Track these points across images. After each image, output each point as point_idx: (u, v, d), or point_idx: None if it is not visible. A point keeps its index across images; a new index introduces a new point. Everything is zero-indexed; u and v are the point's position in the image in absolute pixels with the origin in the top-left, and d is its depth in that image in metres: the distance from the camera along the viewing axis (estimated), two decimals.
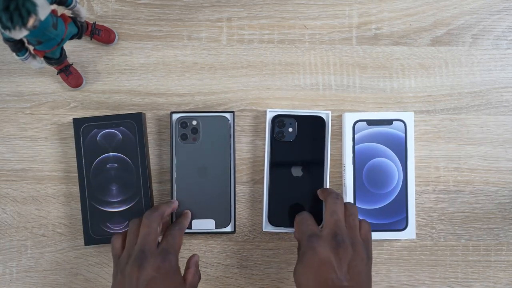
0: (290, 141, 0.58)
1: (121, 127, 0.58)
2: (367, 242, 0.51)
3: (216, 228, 0.58)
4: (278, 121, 0.58)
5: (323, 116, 0.59)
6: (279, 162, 0.58)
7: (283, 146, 0.58)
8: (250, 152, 0.61)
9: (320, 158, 0.58)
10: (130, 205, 0.58)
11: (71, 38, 0.53)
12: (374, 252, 0.61)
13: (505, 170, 0.61)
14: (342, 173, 0.61)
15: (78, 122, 0.58)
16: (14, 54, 0.48)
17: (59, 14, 0.48)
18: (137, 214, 0.58)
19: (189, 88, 0.61)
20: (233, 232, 0.59)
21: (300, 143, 0.58)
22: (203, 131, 0.58)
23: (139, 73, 0.61)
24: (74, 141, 0.58)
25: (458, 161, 0.61)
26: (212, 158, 0.58)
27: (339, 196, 0.53)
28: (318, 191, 0.57)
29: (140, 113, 0.58)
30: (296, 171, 0.57)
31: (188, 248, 0.60)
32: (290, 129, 0.58)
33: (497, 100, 0.62)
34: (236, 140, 0.59)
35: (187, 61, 0.61)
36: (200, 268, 0.58)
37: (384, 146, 0.59)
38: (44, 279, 0.60)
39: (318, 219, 0.57)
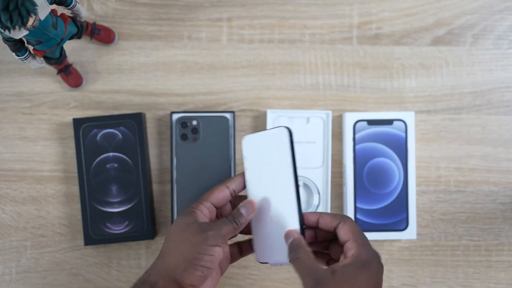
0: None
1: (121, 127, 0.58)
2: None
3: None
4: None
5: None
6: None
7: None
8: None
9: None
10: (130, 205, 0.58)
11: (71, 38, 0.52)
12: None
13: (506, 170, 0.61)
14: (342, 173, 0.61)
15: (78, 122, 0.58)
16: (13, 54, 0.48)
17: (58, 13, 0.48)
18: (137, 214, 0.57)
19: (189, 88, 0.61)
20: None
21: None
22: (204, 131, 0.58)
23: (139, 73, 0.61)
24: (74, 141, 0.58)
25: (459, 161, 0.61)
26: (212, 158, 0.58)
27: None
28: (328, 217, 0.43)
29: (140, 113, 0.58)
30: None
31: None
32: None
33: (498, 100, 0.61)
34: (236, 140, 0.59)
35: (187, 61, 0.61)
36: None
37: (384, 146, 0.59)
38: (44, 280, 0.59)
39: None
